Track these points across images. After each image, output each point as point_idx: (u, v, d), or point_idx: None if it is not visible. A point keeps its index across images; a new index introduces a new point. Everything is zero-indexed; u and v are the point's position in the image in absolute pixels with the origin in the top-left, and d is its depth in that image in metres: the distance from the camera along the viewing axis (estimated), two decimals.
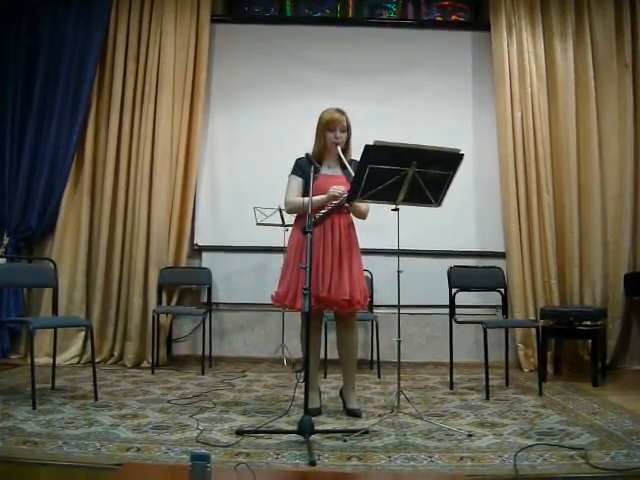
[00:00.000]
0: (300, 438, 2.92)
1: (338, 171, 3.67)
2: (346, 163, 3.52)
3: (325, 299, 3.48)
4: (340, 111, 3.62)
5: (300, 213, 3.63)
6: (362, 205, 3.60)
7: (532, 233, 5.45)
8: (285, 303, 3.58)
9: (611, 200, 5.45)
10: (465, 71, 5.91)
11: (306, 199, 3.41)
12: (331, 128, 3.58)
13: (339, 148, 3.56)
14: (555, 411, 3.70)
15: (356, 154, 3.33)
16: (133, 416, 3.47)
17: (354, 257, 3.60)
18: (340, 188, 3.47)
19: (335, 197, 3.46)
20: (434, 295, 5.16)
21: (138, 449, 2.82)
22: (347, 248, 3.57)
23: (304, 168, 3.60)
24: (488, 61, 5.73)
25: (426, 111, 5.82)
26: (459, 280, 4.62)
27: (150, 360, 5.20)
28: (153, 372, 4.99)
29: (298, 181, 3.64)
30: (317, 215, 3.44)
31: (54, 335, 4.37)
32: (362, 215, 3.69)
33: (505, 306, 4.81)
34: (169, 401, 3.89)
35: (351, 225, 3.67)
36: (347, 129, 3.63)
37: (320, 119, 3.64)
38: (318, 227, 3.47)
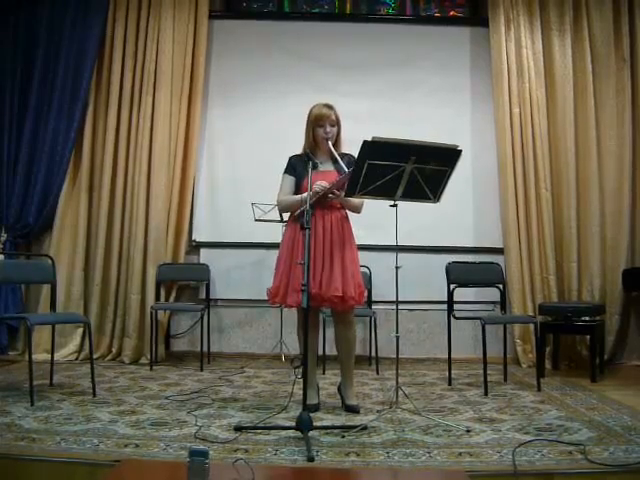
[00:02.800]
0: (298, 434, 2.93)
1: (330, 166, 3.65)
2: (337, 157, 3.51)
3: (317, 295, 3.44)
4: (328, 106, 3.61)
5: (290, 211, 3.65)
6: (355, 199, 3.56)
7: (530, 229, 5.44)
8: (276, 300, 3.57)
9: (609, 195, 5.44)
10: (463, 67, 5.90)
11: (296, 197, 3.45)
12: (320, 123, 3.57)
13: (330, 143, 3.55)
14: (553, 407, 3.70)
15: (353, 149, 3.32)
16: (131, 412, 3.47)
17: (347, 252, 3.57)
18: (322, 183, 3.44)
19: (317, 193, 3.43)
20: (432, 291, 5.16)
21: (136, 445, 2.82)
22: (339, 243, 3.55)
23: (296, 166, 3.62)
24: (486, 57, 5.71)
25: (424, 107, 5.81)
26: (457, 276, 4.62)
27: (148, 356, 5.20)
28: (151, 368, 4.99)
29: (290, 179, 3.65)
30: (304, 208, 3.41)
31: (52, 331, 4.37)
32: (355, 209, 3.67)
33: (503, 302, 4.81)
34: (167, 397, 3.89)
35: (344, 220, 3.65)
36: (337, 123, 3.61)
37: (309, 115, 3.63)
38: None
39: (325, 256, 3.52)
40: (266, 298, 3.68)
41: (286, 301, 3.49)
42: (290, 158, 3.70)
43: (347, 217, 3.68)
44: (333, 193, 3.47)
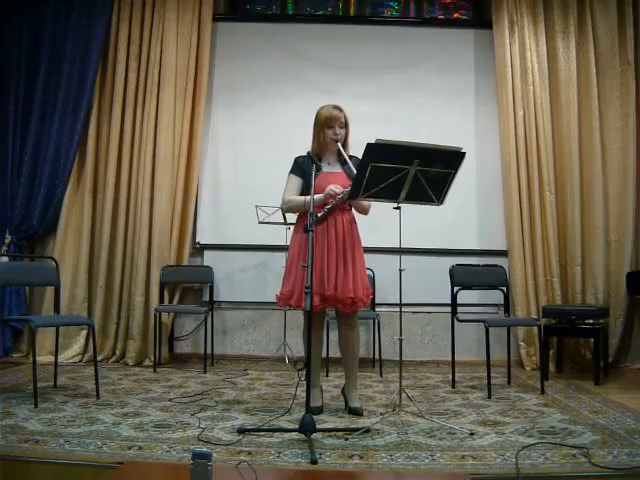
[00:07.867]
0: (302, 436, 2.92)
1: (338, 168, 3.65)
2: (347, 158, 3.49)
3: (331, 297, 3.46)
4: (338, 107, 3.59)
5: (296, 212, 3.65)
6: (364, 201, 3.57)
7: (534, 231, 5.44)
8: (291, 303, 3.54)
9: (613, 198, 5.43)
10: (467, 69, 5.90)
11: (304, 197, 3.42)
12: (330, 125, 3.56)
13: (339, 144, 3.55)
14: (557, 410, 3.69)
15: (357, 151, 3.31)
16: (135, 414, 3.48)
17: (357, 254, 3.59)
18: (338, 187, 3.44)
19: (332, 195, 3.42)
20: (436, 293, 5.16)
21: (140, 447, 2.82)
22: (350, 245, 3.56)
23: (303, 167, 3.60)
24: (490, 59, 5.72)
25: (428, 109, 5.82)
26: (461, 278, 4.61)
27: (152, 358, 5.21)
28: (155, 370, 5.00)
29: (297, 180, 3.63)
30: (318, 214, 3.41)
31: (56, 333, 4.37)
32: (364, 211, 3.68)
33: (507, 304, 4.80)
34: (171, 399, 3.90)
35: (353, 221, 3.65)
36: (345, 125, 3.61)
37: (318, 116, 3.61)
38: (320, 225, 3.46)
39: (339, 258, 3.52)
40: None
41: (301, 304, 3.44)
42: (296, 159, 3.68)
43: (355, 219, 3.69)
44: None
